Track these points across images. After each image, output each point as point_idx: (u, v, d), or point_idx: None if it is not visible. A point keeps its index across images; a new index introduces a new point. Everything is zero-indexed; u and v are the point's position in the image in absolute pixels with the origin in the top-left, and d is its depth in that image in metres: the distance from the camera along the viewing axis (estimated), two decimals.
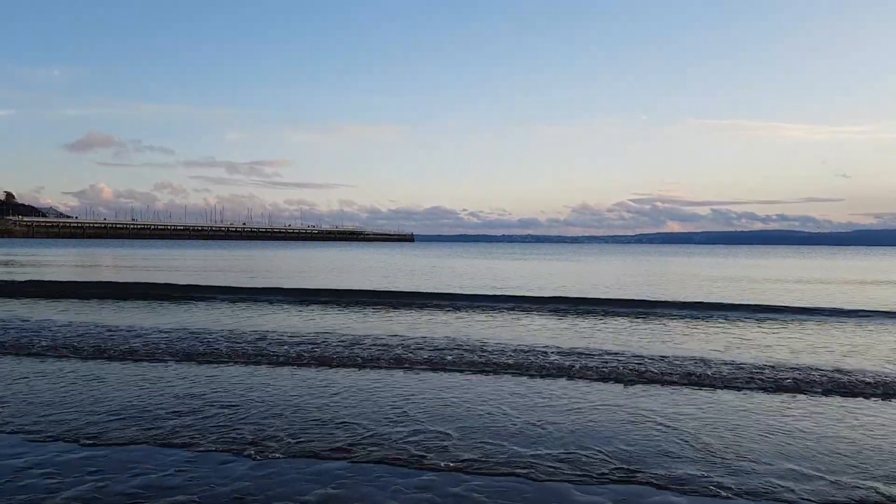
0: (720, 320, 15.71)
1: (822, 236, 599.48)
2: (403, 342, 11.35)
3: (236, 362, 9.68)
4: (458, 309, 17.44)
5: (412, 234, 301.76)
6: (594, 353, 10.59)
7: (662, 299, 19.98)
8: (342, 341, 11.36)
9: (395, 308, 17.62)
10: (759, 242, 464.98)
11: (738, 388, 8.40)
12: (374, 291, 21.59)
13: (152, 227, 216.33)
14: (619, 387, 8.44)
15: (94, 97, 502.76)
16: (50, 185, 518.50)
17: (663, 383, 8.60)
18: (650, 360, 9.84)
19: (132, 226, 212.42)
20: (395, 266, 46.91)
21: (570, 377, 8.96)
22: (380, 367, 9.43)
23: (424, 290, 22.04)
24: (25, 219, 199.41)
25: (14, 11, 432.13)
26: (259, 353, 10.24)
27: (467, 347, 10.89)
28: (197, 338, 11.54)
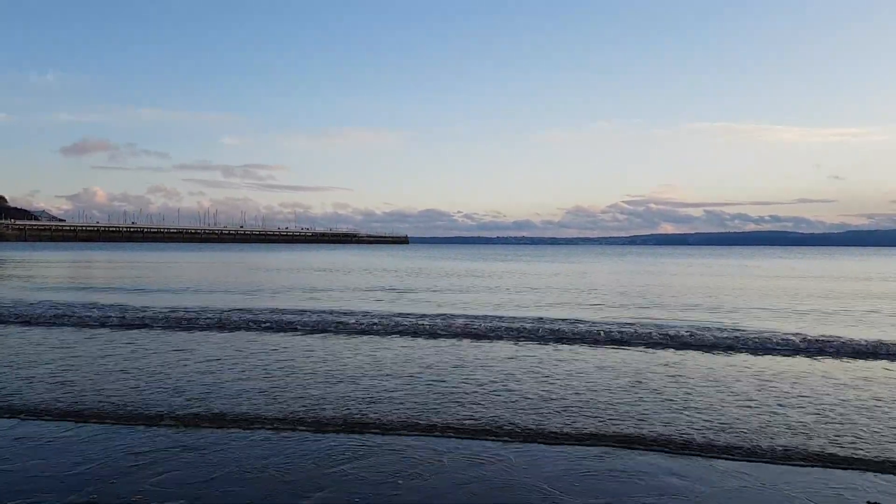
0: None
1: (815, 237, 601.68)
2: None
3: None
4: None
5: (406, 237, 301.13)
6: None
7: None
8: None
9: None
10: (752, 243, 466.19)
11: None
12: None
13: (146, 230, 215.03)
14: None
15: (89, 102, 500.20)
16: (44, 188, 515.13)
17: None
18: None
19: (125, 229, 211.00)
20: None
21: None
22: None
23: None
24: (18, 222, 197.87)
25: (7, 17, 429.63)
26: None
27: None
28: None
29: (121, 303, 19.31)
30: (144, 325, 15.09)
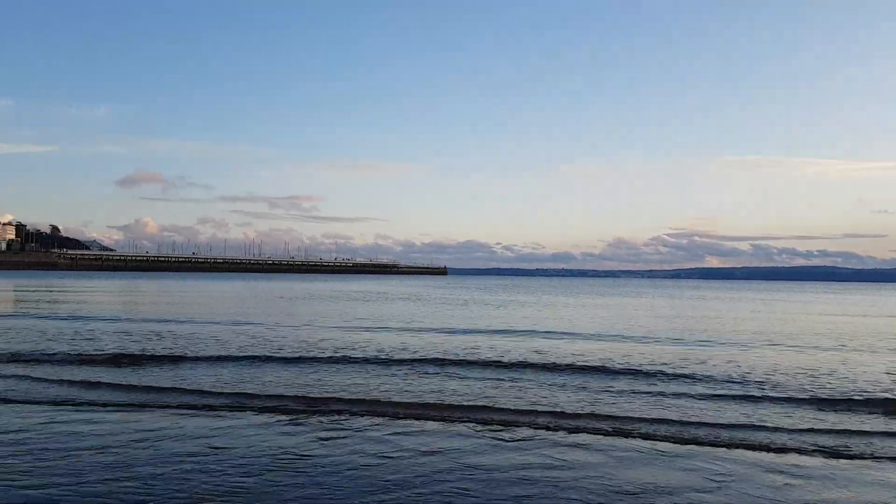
0: None
1: (867, 272, 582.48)
2: None
3: None
4: None
5: (445, 268, 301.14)
6: None
7: None
8: None
9: None
10: (802, 278, 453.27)
11: None
12: None
13: (193, 260, 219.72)
14: None
15: (138, 135, 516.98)
16: (97, 219, 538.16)
17: None
18: None
19: (173, 259, 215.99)
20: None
21: None
22: None
23: None
24: (69, 252, 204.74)
25: (60, 51, 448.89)
26: None
27: None
28: None
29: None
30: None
